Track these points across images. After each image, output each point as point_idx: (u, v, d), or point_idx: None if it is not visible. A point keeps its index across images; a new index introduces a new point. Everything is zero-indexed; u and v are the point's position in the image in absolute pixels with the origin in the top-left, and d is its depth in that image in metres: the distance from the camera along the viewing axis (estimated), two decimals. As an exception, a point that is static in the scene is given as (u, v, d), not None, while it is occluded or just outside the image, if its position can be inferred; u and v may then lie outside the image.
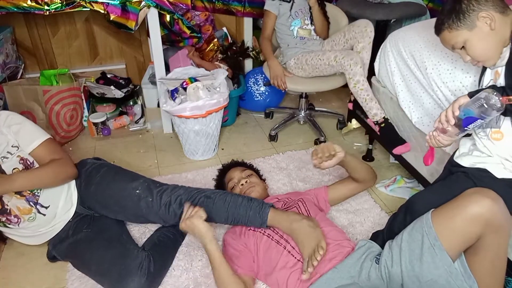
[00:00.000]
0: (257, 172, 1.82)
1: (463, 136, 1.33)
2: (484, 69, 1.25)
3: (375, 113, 1.94)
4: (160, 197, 1.49)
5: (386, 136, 1.93)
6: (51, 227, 1.52)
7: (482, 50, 1.16)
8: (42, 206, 1.47)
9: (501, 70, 1.16)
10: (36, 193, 1.46)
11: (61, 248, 1.50)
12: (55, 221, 1.52)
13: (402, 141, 1.85)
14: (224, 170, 1.80)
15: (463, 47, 1.18)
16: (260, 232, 1.43)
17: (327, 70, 2.13)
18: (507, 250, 1.13)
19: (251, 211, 1.43)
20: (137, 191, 1.50)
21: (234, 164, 1.83)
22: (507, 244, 1.12)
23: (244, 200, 1.46)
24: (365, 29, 2.04)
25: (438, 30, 1.22)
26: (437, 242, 1.12)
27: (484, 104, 1.07)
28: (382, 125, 1.93)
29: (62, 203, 1.52)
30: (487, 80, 1.23)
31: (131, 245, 1.49)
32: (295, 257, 1.33)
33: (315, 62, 2.14)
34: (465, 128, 1.15)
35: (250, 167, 1.84)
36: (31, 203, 1.44)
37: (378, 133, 1.96)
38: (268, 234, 1.41)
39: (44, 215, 1.48)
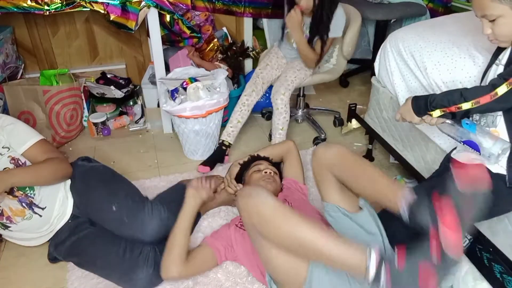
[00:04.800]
0: (281, 178, 1.81)
1: None
2: (489, 65, 1.25)
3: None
4: (136, 216, 1.46)
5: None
6: (49, 228, 1.52)
7: (510, 32, 1.10)
8: (38, 207, 1.47)
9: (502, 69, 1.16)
10: (29, 194, 1.45)
11: (62, 248, 1.50)
12: (52, 222, 1.52)
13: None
14: (255, 159, 1.80)
15: (493, 20, 1.10)
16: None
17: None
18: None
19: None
20: (113, 207, 1.48)
21: (267, 159, 1.82)
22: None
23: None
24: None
25: None
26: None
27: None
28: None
29: (58, 204, 1.52)
30: (491, 76, 1.23)
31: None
32: None
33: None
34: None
35: (278, 169, 1.83)
36: (23, 204, 1.44)
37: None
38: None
39: (41, 216, 1.48)
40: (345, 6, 2.28)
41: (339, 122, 2.57)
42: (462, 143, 1.20)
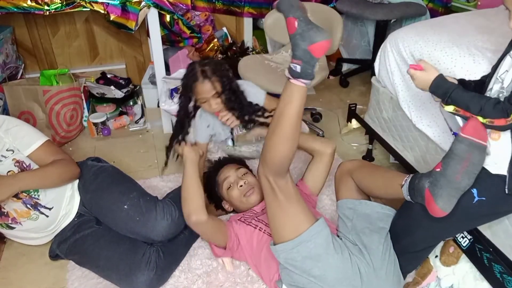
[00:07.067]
0: (250, 170, 1.74)
1: None
2: (501, 58, 1.24)
3: None
4: (149, 215, 1.45)
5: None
6: (55, 227, 1.52)
7: None
8: (45, 207, 1.47)
9: None
10: (34, 196, 1.44)
11: (65, 246, 1.50)
12: (59, 221, 1.52)
13: None
14: (217, 168, 1.70)
15: None
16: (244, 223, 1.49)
17: None
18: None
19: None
20: (125, 207, 1.46)
21: (227, 161, 1.75)
22: None
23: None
24: None
25: None
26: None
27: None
28: None
29: (65, 203, 1.52)
30: (503, 70, 1.21)
31: (140, 241, 1.48)
32: (265, 232, 1.41)
33: None
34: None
35: (244, 164, 1.76)
36: (28, 205, 1.43)
37: None
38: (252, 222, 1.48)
39: (47, 216, 1.48)
40: (330, 11, 2.28)
41: (315, 117, 2.54)
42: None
